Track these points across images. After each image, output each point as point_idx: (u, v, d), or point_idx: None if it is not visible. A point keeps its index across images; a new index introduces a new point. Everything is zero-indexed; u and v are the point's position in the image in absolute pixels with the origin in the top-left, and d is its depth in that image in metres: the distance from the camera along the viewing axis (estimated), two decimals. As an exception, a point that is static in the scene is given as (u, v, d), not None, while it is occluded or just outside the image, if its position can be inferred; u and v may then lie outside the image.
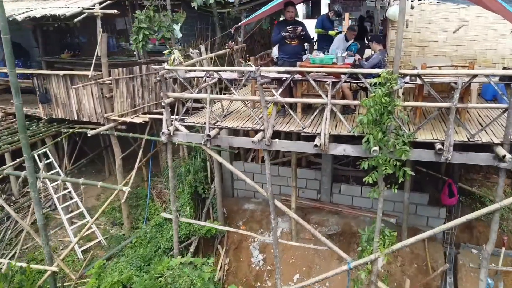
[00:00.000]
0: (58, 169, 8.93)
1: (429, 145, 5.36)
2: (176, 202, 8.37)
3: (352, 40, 7.75)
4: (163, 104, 6.21)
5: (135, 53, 9.56)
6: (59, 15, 7.35)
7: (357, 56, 6.68)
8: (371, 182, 5.23)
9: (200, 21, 10.74)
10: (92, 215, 9.10)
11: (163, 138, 6.31)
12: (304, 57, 6.68)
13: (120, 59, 10.09)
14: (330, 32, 8.45)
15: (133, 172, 8.93)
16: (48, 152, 8.85)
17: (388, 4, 7.99)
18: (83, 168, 11.10)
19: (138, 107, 8.75)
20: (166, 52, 6.49)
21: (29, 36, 11.98)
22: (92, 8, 7.67)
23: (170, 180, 6.76)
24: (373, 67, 6.21)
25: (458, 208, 7.82)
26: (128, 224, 9.01)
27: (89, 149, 10.90)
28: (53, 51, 11.82)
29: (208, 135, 5.95)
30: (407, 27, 7.82)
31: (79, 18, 7.52)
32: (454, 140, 5.12)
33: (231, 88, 6.11)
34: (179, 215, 7.98)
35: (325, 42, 8.70)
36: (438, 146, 5.12)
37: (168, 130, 6.26)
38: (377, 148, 5.12)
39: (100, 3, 7.98)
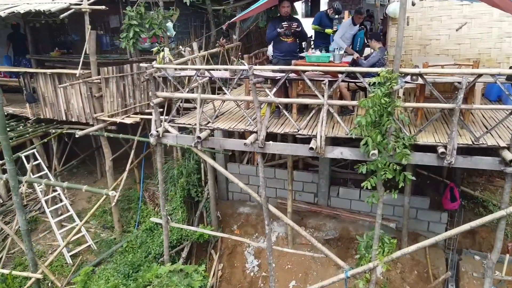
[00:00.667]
0: (46, 171, 8.63)
1: (431, 148, 5.08)
2: (167, 206, 8.11)
3: (359, 25, 7.50)
4: (151, 104, 5.92)
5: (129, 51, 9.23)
6: (44, 10, 7.04)
7: (356, 55, 6.40)
8: (369, 187, 4.94)
9: (194, 18, 10.43)
10: (82, 218, 8.82)
11: (151, 140, 6.02)
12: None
13: (111, 58, 9.79)
14: (327, 30, 8.16)
15: (124, 174, 8.63)
16: (36, 153, 8.54)
17: (388, 1, 7.69)
18: (74, 169, 10.82)
19: (129, 107, 8.45)
20: (155, 49, 6.19)
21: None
22: (80, 4, 7.36)
23: (159, 184, 6.46)
24: (372, 66, 5.92)
25: (460, 212, 7.53)
26: (119, 228, 8.72)
27: (80, 150, 10.60)
28: (45, 49, 11.49)
29: (199, 137, 5.65)
30: (408, 25, 7.53)
31: (66, 14, 7.21)
32: (458, 143, 4.84)
33: (223, 88, 5.82)
34: (171, 219, 7.71)
35: (321, 40, 8.40)
36: (441, 150, 4.83)
37: (157, 131, 5.96)
38: (376, 151, 4.84)
39: (89, -1, 7.68)
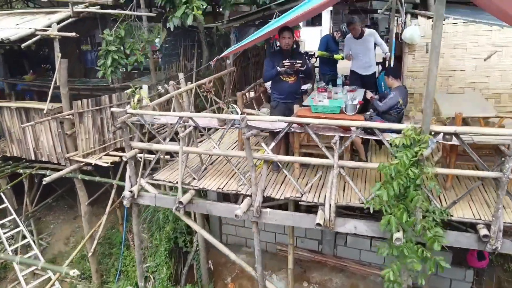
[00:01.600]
0: (14, 215, 7.61)
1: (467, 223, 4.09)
2: (150, 261, 7.12)
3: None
4: (124, 159, 4.90)
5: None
6: (2, 39, 6.00)
7: (369, 94, 5.38)
8: (392, 278, 3.93)
9: (184, 38, 9.40)
10: (57, 264, 7.87)
11: (125, 202, 5.01)
12: None
13: (91, 83, 8.77)
14: (336, 56, 7.18)
15: (104, 218, 7.61)
16: (2, 195, 7.52)
17: (404, 25, 6.65)
18: (53, 203, 9.81)
19: (108, 143, 7.44)
20: (128, 91, 5.17)
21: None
22: (47, 30, 6.32)
23: (136, 250, 5.45)
24: (390, 108, 4.96)
25: (489, 269, 6.52)
26: (97, 279, 7.71)
27: (58, 184, 9.55)
28: (21, 71, 10.36)
29: (180, 202, 4.64)
30: (427, 53, 6.51)
31: (30, 41, 6.19)
32: (504, 222, 3.83)
33: (210, 138, 4.82)
34: (154, 278, 6.70)
35: (328, 66, 7.44)
36: (483, 232, 3.83)
37: (131, 191, 4.94)
38: (400, 234, 3.83)
39: (59, 22, 6.65)
